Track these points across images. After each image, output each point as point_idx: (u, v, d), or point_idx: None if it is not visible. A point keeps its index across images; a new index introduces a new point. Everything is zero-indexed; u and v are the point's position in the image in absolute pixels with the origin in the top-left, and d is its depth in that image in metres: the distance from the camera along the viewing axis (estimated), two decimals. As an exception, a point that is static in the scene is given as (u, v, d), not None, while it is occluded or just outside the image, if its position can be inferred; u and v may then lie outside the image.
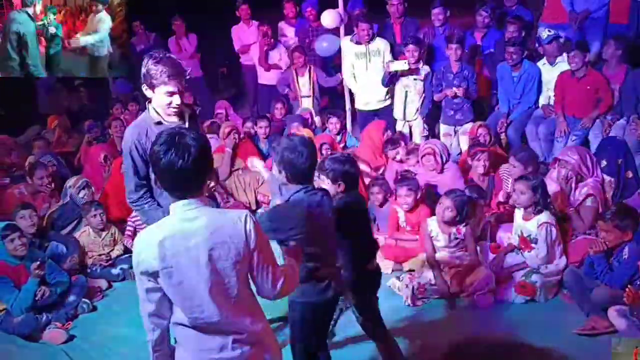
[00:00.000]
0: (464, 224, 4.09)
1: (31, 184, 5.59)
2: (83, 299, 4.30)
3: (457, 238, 4.08)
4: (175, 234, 1.97)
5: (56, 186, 5.57)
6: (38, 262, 4.12)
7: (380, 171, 5.55)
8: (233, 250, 1.99)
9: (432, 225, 4.17)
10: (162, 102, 2.87)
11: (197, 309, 2.00)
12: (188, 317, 2.02)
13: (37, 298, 4.07)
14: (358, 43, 6.07)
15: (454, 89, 5.65)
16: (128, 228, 5.03)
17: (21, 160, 6.49)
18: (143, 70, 2.83)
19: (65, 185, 5.40)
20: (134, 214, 4.75)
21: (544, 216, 3.93)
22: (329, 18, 6.37)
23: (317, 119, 6.82)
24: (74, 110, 8.25)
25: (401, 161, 5.44)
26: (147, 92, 2.88)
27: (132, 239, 4.72)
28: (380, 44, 6.03)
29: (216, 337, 2.04)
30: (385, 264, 4.45)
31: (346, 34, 6.48)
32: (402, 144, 5.54)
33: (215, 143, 5.93)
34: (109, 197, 5.32)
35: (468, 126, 5.77)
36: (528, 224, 3.99)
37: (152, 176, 2.88)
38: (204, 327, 2.03)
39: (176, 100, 2.84)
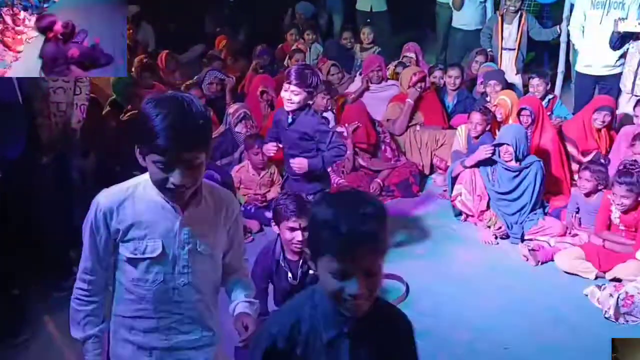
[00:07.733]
0: None
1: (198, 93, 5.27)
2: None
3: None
4: None
5: (216, 112, 5.24)
6: None
7: (592, 155, 4.72)
8: None
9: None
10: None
11: None
12: None
13: None
14: (600, -12, 5.14)
15: None
16: None
17: (183, 80, 6.19)
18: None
19: (226, 112, 5.11)
20: None
21: None
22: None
23: (517, 78, 6.03)
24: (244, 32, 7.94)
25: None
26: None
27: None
28: None
29: None
30: (587, 267, 3.86)
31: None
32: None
33: (396, 90, 5.45)
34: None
35: None
36: None
37: None
38: None
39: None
